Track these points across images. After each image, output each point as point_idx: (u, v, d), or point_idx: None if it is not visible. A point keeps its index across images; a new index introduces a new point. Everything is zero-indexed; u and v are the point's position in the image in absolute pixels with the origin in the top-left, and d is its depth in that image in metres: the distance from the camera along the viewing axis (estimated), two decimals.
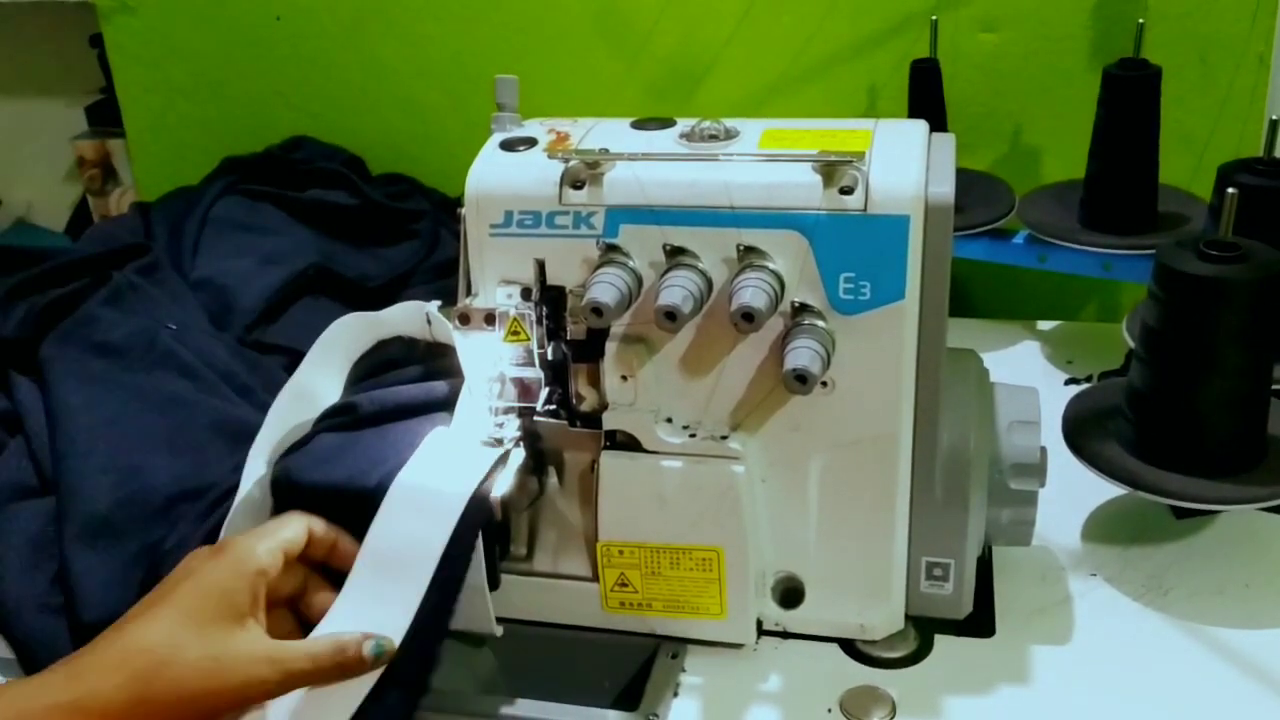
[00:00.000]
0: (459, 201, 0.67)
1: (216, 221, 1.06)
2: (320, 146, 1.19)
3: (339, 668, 0.60)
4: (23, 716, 0.54)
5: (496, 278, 0.67)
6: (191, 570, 0.60)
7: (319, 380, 0.76)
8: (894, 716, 0.65)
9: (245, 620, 0.58)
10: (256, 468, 0.70)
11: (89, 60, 1.38)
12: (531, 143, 0.68)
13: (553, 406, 0.69)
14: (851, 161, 0.62)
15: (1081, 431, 0.77)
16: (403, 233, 1.11)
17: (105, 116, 1.39)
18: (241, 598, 0.59)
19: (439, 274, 1.08)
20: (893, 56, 1.06)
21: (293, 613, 0.65)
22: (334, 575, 0.65)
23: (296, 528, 0.64)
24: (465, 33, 1.16)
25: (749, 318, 0.60)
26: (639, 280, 0.64)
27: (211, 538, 0.69)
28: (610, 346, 0.66)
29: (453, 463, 0.66)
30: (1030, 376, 0.75)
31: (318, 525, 0.65)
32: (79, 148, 1.41)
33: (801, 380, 0.60)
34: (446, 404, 0.70)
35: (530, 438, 0.69)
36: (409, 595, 0.62)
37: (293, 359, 0.94)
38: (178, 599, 0.58)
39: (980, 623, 0.71)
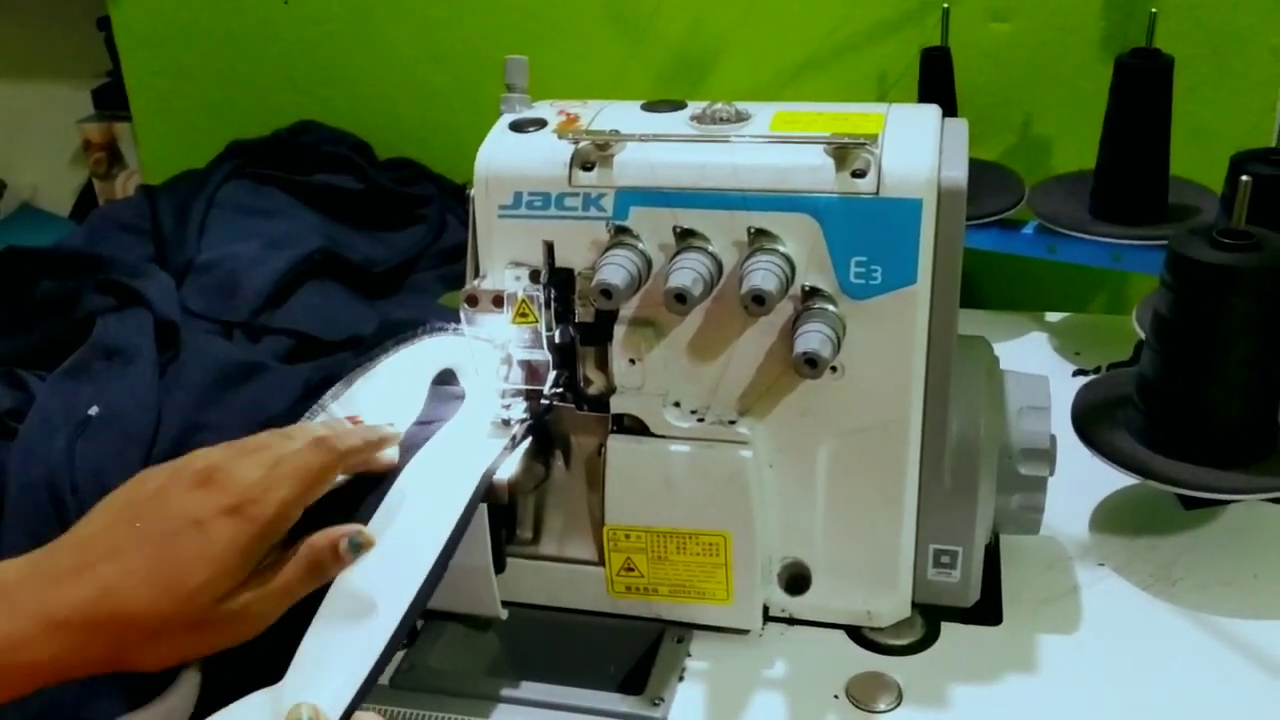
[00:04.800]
0: (467, 184, 0.67)
1: (223, 205, 1.05)
2: (327, 130, 1.19)
3: (316, 580, 0.57)
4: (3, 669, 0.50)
5: (505, 259, 0.67)
6: (204, 527, 0.54)
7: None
8: (900, 703, 0.64)
9: (238, 583, 0.55)
10: None
11: (95, 43, 1.38)
12: (541, 124, 0.68)
13: (560, 389, 0.69)
14: (864, 144, 0.61)
15: (1091, 421, 0.76)
16: (409, 217, 1.11)
17: (112, 100, 1.38)
18: (246, 571, 0.55)
19: (445, 259, 1.08)
20: (904, 45, 1.05)
21: None
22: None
23: (327, 470, 0.58)
24: (474, 17, 1.16)
25: (759, 300, 0.60)
26: (648, 263, 0.64)
27: None
28: (619, 329, 0.66)
29: (455, 463, 0.66)
30: (1039, 368, 0.74)
31: (346, 443, 0.60)
32: (85, 131, 1.41)
33: (811, 364, 0.60)
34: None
35: (537, 421, 0.69)
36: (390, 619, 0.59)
37: (299, 342, 0.94)
38: (179, 563, 0.53)
39: (987, 611, 0.71)
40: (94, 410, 0.77)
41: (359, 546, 0.58)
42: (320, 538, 0.57)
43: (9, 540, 0.71)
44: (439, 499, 0.63)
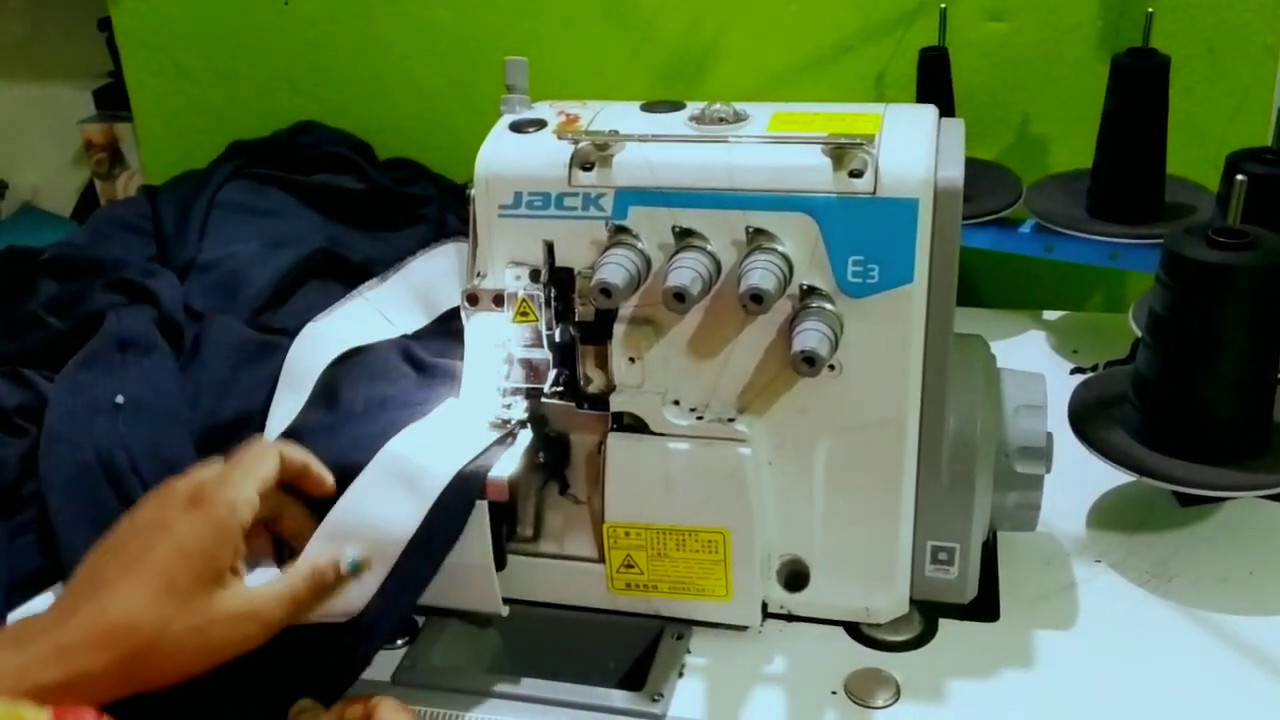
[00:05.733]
0: (467, 185, 0.67)
1: (224, 205, 1.06)
2: (327, 131, 1.19)
3: (320, 593, 0.60)
4: (13, 695, 0.51)
5: (505, 259, 0.67)
6: (169, 527, 0.57)
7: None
8: (898, 699, 0.65)
9: (226, 577, 0.57)
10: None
11: (97, 44, 1.38)
12: (541, 124, 0.69)
13: (560, 388, 0.69)
14: (861, 144, 0.62)
15: (1087, 418, 0.77)
16: (409, 217, 1.11)
17: (113, 100, 1.39)
18: (224, 559, 0.57)
19: None
20: (902, 45, 1.06)
21: (265, 527, 0.65)
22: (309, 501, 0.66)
23: (270, 462, 0.62)
24: (473, 18, 1.16)
25: (758, 299, 0.60)
26: (647, 262, 0.64)
27: None
28: (618, 328, 0.66)
29: (447, 441, 0.67)
30: (1036, 366, 0.75)
31: (290, 451, 0.64)
32: (86, 131, 1.41)
33: (810, 362, 0.60)
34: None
35: (537, 419, 0.69)
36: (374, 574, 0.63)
37: None
38: (159, 565, 0.56)
39: (984, 607, 0.71)
40: (120, 399, 0.78)
41: (357, 567, 0.62)
42: (324, 555, 0.61)
43: (67, 524, 0.72)
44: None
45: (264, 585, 0.59)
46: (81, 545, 0.70)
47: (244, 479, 0.60)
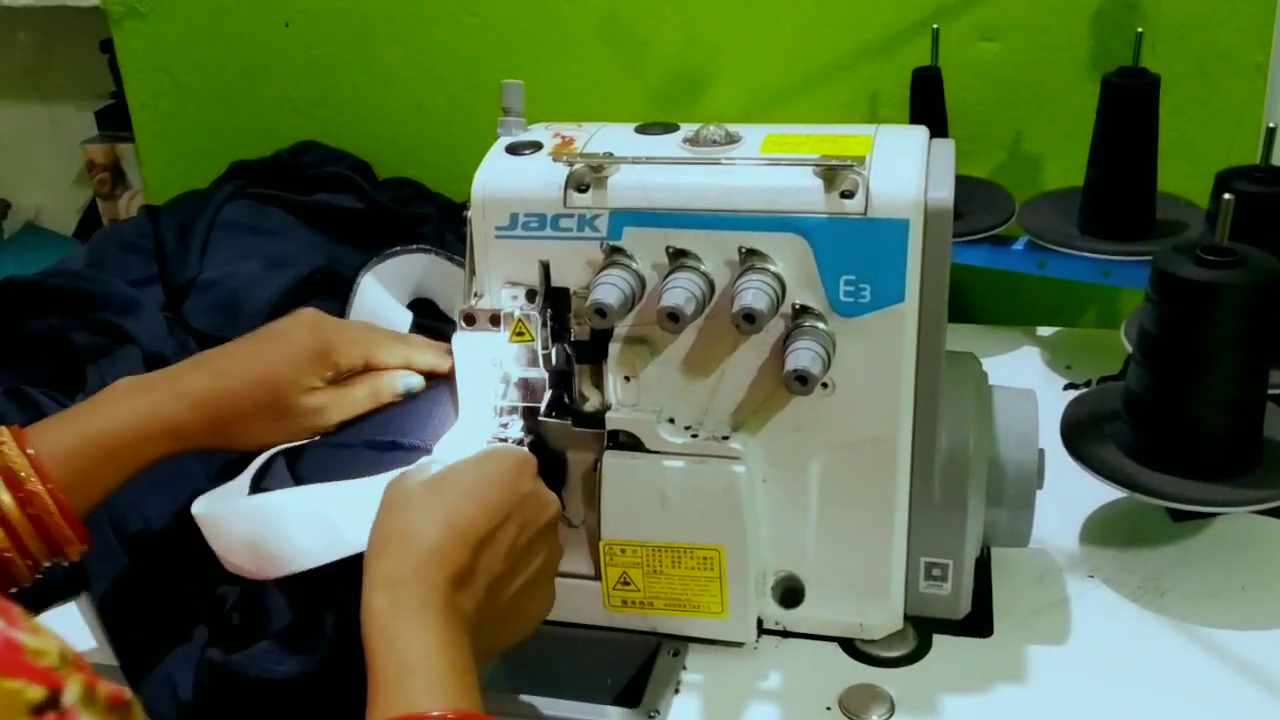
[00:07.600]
0: (465, 205, 0.68)
1: (225, 224, 1.07)
2: (327, 151, 1.21)
3: (373, 401, 0.72)
4: (146, 431, 0.66)
5: (502, 279, 0.68)
6: (289, 335, 0.70)
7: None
8: (892, 715, 0.65)
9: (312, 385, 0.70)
10: None
11: (99, 65, 1.39)
12: (537, 146, 0.69)
13: (556, 407, 0.70)
14: (852, 166, 0.63)
15: (1079, 435, 0.78)
16: (409, 236, 1.12)
17: (115, 121, 1.40)
18: (316, 374, 0.70)
19: None
20: (895, 65, 1.07)
21: None
22: None
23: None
24: (472, 39, 1.18)
25: (750, 319, 0.61)
26: (642, 282, 0.65)
27: None
28: (613, 347, 0.67)
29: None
30: (1030, 381, 0.75)
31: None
32: (89, 152, 1.42)
33: (802, 381, 0.61)
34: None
35: (534, 438, 0.70)
36: None
37: None
38: (270, 366, 0.69)
39: (978, 623, 0.72)
40: None
41: (410, 389, 0.72)
42: (384, 374, 0.72)
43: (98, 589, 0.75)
44: None
45: (333, 391, 0.71)
46: (111, 598, 0.74)
47: (372, 340, 0.72)
